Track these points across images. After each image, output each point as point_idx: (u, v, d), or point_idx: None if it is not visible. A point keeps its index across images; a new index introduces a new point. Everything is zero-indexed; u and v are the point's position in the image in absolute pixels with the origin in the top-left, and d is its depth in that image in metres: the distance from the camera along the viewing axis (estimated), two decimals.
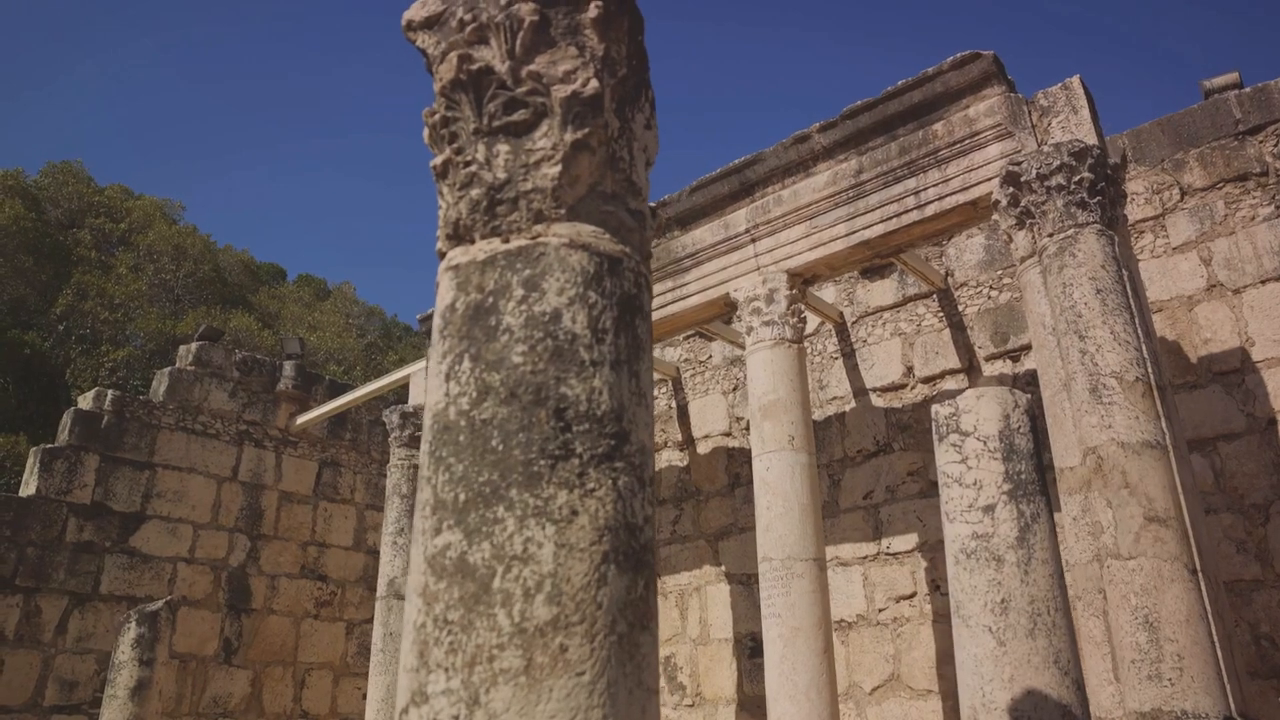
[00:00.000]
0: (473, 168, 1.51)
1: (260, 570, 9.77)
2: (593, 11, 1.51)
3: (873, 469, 7.34)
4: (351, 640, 10.33)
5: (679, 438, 8.79)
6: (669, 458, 8.79)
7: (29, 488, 8.54)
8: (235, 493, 9.80)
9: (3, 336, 12.08)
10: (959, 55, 5.38)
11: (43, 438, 12.12)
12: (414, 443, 8.25)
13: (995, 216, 5.22)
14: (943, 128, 5.46)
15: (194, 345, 10.01)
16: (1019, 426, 2.89)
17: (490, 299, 1.40)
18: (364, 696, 10.17)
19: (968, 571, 2.79)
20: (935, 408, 3.01)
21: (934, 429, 3.01)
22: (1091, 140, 4.95)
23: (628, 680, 1.25)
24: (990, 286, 7.12)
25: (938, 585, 6.76)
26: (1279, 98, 6.09)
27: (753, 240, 6.22)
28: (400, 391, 9.72)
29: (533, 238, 1.45)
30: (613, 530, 1.30)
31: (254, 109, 74.83)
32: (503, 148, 1.50)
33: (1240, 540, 5.58)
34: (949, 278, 7.33)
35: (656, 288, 6.42)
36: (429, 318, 8.45)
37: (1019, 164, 4.97)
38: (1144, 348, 4.55)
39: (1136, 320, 4.61)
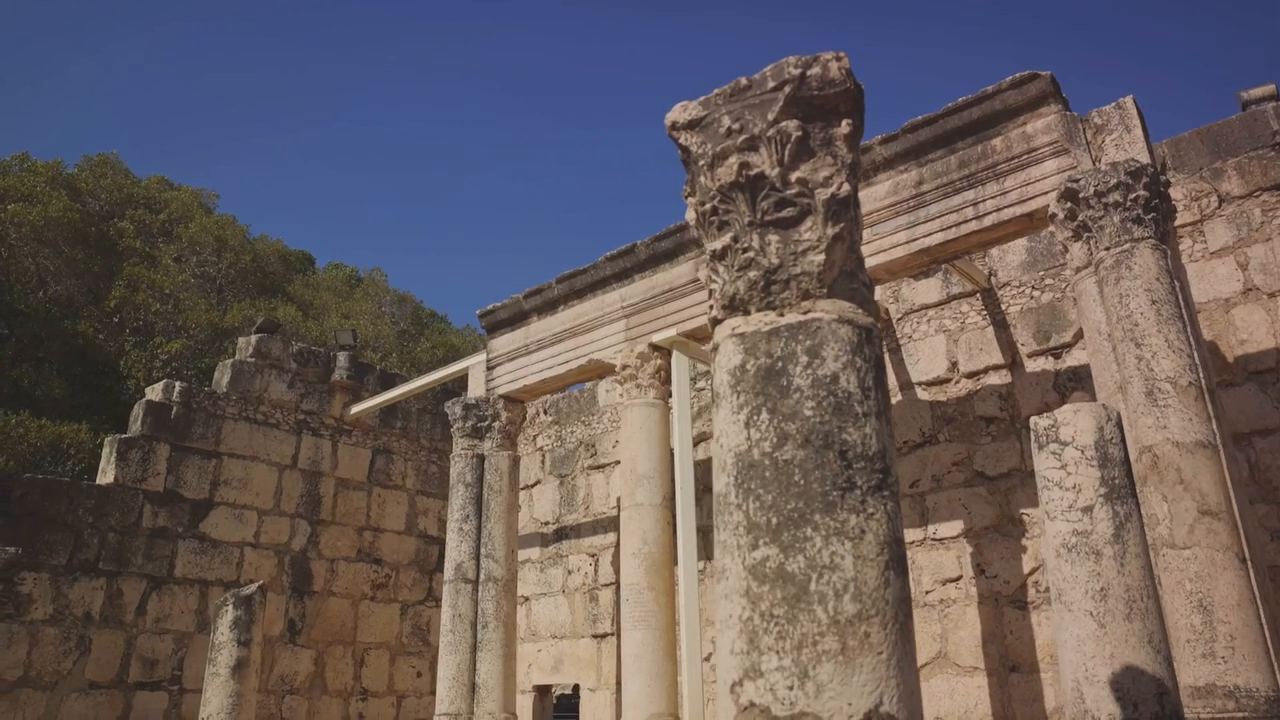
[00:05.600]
0: (749, 254, 1.89)
1: (320, 554, 10.20)
2: (845, 128, 1.89)
3: (919, 459, 7.74)
4: (406, 621, 10.79)
5: None
6: None
7: (106, 476, 8.95)
8: (295, 480, 10.22)
9: (57, 329, 12.49)
10: (1017, 75, 5.73)
11: (100, 427, 12.52)
12: (476, 433, 8.65)
13: (1051, 228, 5.59)
14: (1001, 143, 5.82)
15: (253, 337, 10.39)
16: (1111, 437, 3.28)
17: (780, 363, 1.79)
18: (418, 675, 10.64)
19: (1069, 564, 3.19)
20: (1034, 419, 3.41)
21: (1033, 438, 3.40)
22: (1145, 159, 5.31)
23: (907, 657, 1.65)
24: (1033, 286, 7.49)
25: (983, 569, 7.18)
26: None
27: None
28: (452, 383, 10.10)
29: (804, 313, 1.83)
30: (888, 544, 1.70)
31: (249, 102, 74.62)
32: (773, 238, 1.89)
33: (1275, 529, 5.99)
34: (992, 278, 7.71)
35: None
36: (489, 313, 8.83)
37: (1077, 180, 5.33)
38: (1195, 354, 4.94)
39: (1188, 328, 4.99)
